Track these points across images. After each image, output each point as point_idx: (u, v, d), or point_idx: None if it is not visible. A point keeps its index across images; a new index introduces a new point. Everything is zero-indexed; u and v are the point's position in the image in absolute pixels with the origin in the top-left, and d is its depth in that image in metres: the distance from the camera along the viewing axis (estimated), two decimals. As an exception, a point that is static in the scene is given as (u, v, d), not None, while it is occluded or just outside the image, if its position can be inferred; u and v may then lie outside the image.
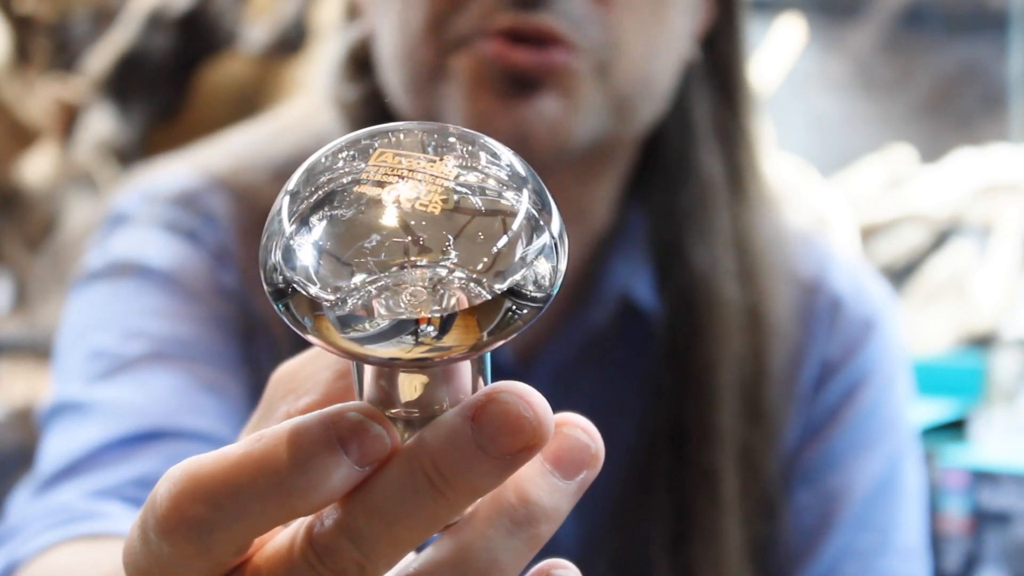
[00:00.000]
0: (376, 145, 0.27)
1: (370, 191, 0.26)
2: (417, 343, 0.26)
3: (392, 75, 0.66)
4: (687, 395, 0.68)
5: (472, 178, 0.27)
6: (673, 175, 0.70)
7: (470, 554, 0.28)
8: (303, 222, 0.27)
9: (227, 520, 0.27)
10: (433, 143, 0.27)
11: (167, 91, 2.16)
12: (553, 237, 0.27)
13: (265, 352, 0.66)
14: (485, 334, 0.27)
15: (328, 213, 0.26)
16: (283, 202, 0.27)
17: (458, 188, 0.26)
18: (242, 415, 0.63)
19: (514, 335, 0.27)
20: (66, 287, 0.72)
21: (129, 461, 0.58)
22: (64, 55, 2.26)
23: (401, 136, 0.28)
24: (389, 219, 0.26)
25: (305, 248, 0.26)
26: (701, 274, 0.69)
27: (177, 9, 2.14)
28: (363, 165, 0.27)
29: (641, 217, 0.71)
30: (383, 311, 0.26)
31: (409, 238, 0.26)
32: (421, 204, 0.26)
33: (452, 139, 0.28)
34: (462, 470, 0.27)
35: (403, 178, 0.26)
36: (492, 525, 0.29)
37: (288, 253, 0.26)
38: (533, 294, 0.27)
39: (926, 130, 3.22)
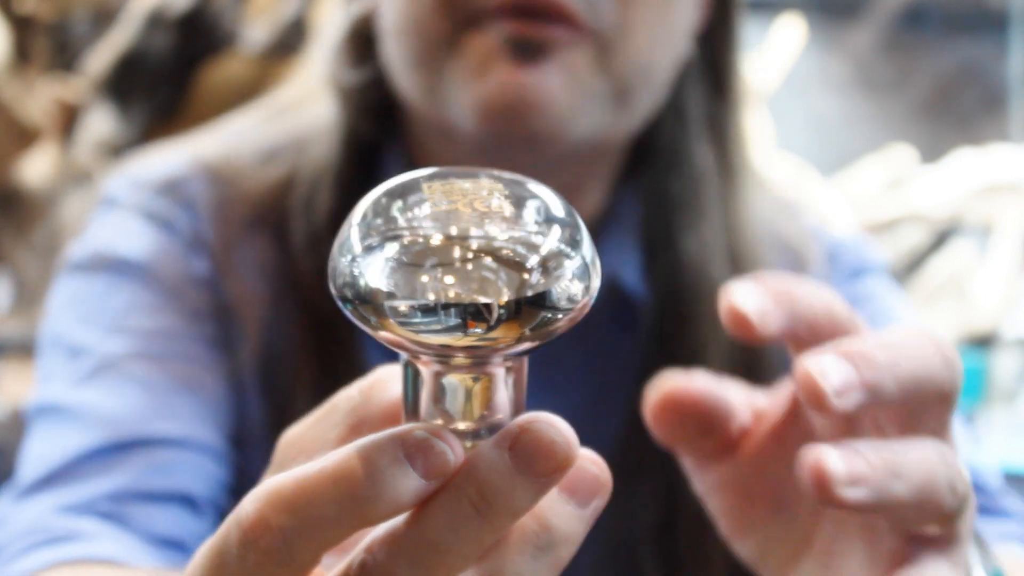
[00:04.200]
0: (434, 185, 0.33)
1: (428, 224, 0.31)
2: (466, 335, 0.31)
3: (396, 49, 0.66)
4: None
5: (517, 214, 0.32)
6: (666, 165, 0.71)
7: None
8: (370, 247, 0.31)
9: (308, 527, 0.31)
10: (485, 187, 0.33)
11: (167, 91, 2.16)
12: (585, 261, 0.32)
13: (236, 336, 0.66)
14: (527, 330, 0.31)
15: (391, 239, 0.31)
16: (351, 231, 0.32)
17: (506, 221, 0.32)
18: (219, 409, 0.64)
19: (554, 335, 0.32)
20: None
21: (105, 474, 0.60)
22: (64, 55, 2.27)
23: (455, 179, 0.33)
24: (445, 245, 0.31)
25: (371, 265, 0.31)
26: (691, 261, 0.69)
27: (177, 9, 2.14)
28: (423, 199, 0.32)
29: (632, 204, 0.72)
30: (437, 305, 0.31)
31: (460, 262, 0.31)
32: (474, 234, 0.31)
33: (500, 183, 0.33)
34: (504, 494, 0.31)
35: (457, 213, 0.32)
36: (519, 551, 0.32)
37: (356, 269, 0.31)
38: (567, 307, 0.31)
39: (926, 130, 3.22)
